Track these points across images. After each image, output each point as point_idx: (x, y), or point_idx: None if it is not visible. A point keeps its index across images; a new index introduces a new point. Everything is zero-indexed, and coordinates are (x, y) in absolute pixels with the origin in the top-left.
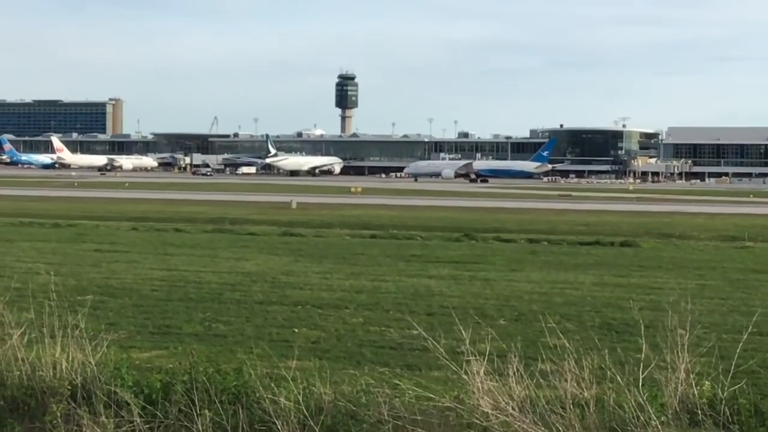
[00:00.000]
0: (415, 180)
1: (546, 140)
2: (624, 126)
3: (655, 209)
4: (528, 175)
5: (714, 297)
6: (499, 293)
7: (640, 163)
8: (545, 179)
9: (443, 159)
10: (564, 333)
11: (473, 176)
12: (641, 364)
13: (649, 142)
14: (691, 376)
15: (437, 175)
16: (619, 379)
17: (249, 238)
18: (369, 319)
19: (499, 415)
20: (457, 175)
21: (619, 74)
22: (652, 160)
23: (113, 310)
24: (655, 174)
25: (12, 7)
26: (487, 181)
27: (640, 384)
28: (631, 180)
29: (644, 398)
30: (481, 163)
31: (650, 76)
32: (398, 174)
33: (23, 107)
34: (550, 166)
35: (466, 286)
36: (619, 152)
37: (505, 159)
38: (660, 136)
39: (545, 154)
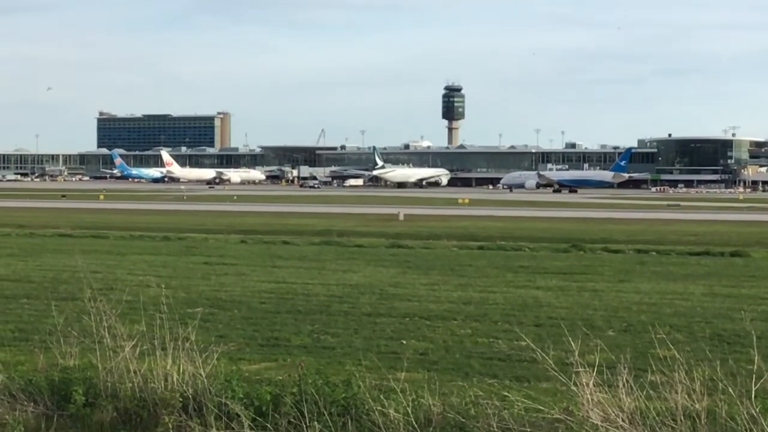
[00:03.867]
0: (510, 191)
1: (654, 150)
2: (733, 135)
3: (766, 219)
4: (608, 185)
5: None
6: (607, 304)
7: (750, 172)
8: (653, 189)
9: (550, 170)
10: (674, 344)
11: (556, 186)
12: (753, 375)
13: (759, 150)
14: None
15: (522, 185)
16: (731, 390)
17: (356, 250)
18: (477, 330)
19: (609, 427)
20: (539, 186)
21: (727, 82)
22: (763, 169)
23: (223, 323)
24: (766, 183)
25: (119, 23)
26: (576, 191)
27: (753, 396)
28: (741, 189)
29: (757, 410)
30: (561, 174)
31: (760, 84)
32: (489, 186)
33: (133, 122)
34: (627, 176)
35: (574, 297)
36: (729, 161)
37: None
38: None
39: (623, 164)
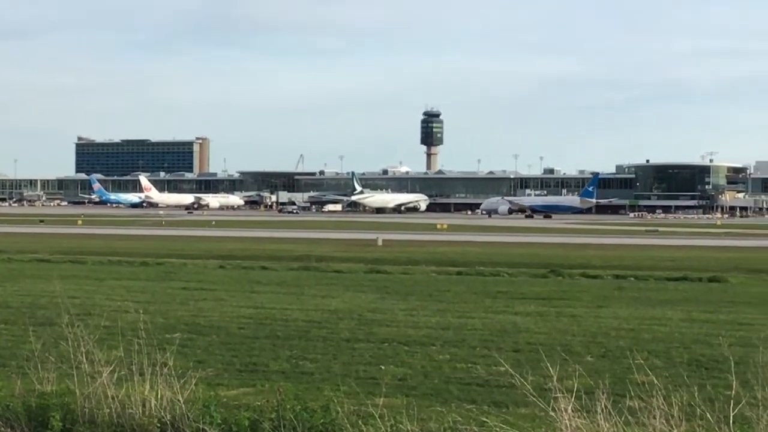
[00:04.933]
0: (489, 216)
1: (633, 175)
2: (711, 160)
3: (744, 244)
4: (577, 211)
5: None
6: (585, 330)
7: (728, 197)
8: (631, 215)
9: (529, 195)
10: (652, 369)
11: (528, 212)
12: (732, 401)
13: (736, 176)
14: None
15: (496, 211)
16: (708, 416)
17: (335, 275)
18: (455, 355)
19: None
20: (511, 211)
21: (704, 108)
22: (740, 195)
23: (201, 348)
24: (743, 209)
25: (98, 49)
26: (550, 217)
27: (731, 421)
28: (718, 215)
29: None
30: (532, 199)
31: (737, 110)
32: (468, 211)
33: (112, 147)
34: (594, 201)
35: (552, 322)
36: (707, 187)
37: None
38: (748, 171)
39: (591, 189)
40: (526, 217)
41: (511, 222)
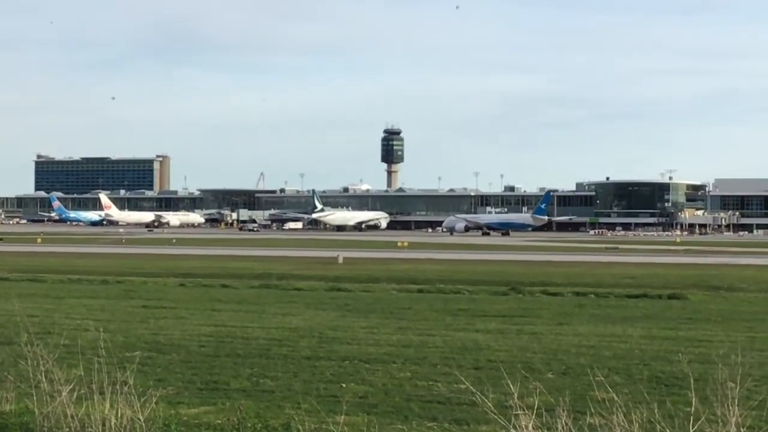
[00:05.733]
0: (451, 234)
1: (593, 193)
2: (670, 178)
3: (703, 261)
4: (530, 227)
5: (765, 349)
6: (546, 347)
7: (687, 215)
8: (591, 232)
9: (489, 212)
10: (612, 386)
11: (485, 229)
12: (691, 417)
13: (696, 194)
14: (742, 430)
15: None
16: None
17: (296, 293)
18: (416, 373)
19: None
20: (468, 229)
21: (663, 126)
22: (700, 212)
23: (161, 366)
24: (703, 226)
25: (57, 66)
26: (508, 234)
27: None
28: (678, 232)
29: None
30: (488, 217)
31: (695, 128)
32: (428, 229)
33: (71, 165)
34: (547, 219)
35: (513, 339)
36: (666, 204)
37: (551, 213)
38: (707, 188)
39: (543, 206)
40: (483, 234)
41: (472, 240)
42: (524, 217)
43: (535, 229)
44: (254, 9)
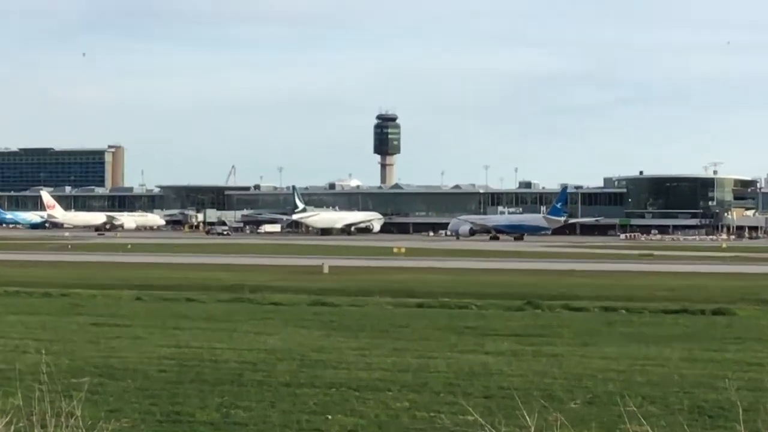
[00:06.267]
0: (457, 238)
1: (624, 190)
2: (715, 172)
3: (753, 270)
4: (547, 230)
5: None
6: (568, 371)
7: (735, 215)
8: (622, 236)
9: (502, 213)
10: (647, 418)
11: (493, 233)
12: None
13: (745, 191)
14: None
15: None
16: None
17: (273, 308)
18: (415, 403)
19: None
20: (473, 232)
21: (707, 111)
22: (749, 213)
23: (114, 395)
24: (753, 229)
25: None
26: (522, 238)
27: None
28: (724, 236)
29: None
30: (495, 218)
31: (745, 113)
32: (430, 232)
33: (8, 156)
34: (563, 220)
35: (529, 363)
36: (710, 203)
37: (574, 213)
38: (759, 184)
39: (559, 206)
40: (492, 238)
41: (480, 245)
42: (538, 218)
43: (555, 232)
44: None
